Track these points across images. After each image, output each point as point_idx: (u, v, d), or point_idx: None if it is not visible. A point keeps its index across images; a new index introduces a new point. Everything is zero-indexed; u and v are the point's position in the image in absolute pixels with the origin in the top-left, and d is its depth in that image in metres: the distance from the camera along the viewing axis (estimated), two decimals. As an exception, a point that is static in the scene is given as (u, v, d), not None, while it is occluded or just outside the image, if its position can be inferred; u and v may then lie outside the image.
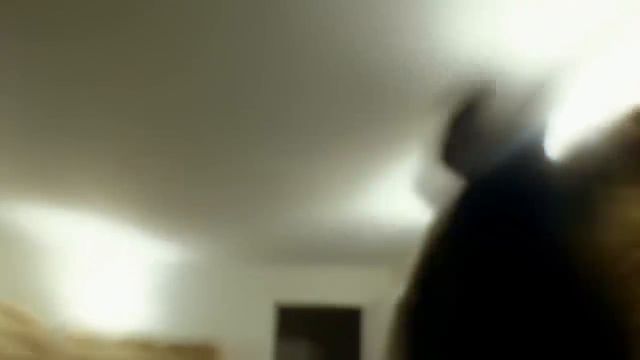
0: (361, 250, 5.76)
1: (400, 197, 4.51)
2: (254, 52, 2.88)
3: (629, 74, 2.08)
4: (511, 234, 1.51)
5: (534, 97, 2.58)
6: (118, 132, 3.63)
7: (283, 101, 3.25)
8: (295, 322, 6.89)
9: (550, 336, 1.38)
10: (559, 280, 1.42)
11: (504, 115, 1.89)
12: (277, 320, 6.28)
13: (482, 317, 1.43)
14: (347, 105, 3.34)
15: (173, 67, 3.01)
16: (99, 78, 3.13)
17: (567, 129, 2.24)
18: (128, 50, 2.90)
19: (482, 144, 1.81)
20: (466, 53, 2.83)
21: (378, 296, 6.19)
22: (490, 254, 1.50)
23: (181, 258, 6.03)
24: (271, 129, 3.58)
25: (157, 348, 5.56)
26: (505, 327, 1.41)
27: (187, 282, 6.13)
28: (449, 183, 1.78)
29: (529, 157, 1.71)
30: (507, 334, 1.40)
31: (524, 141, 1.81)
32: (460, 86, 2.09)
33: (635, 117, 1.65)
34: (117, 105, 3.36)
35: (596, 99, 2.30)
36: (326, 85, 3.12)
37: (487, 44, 2.74)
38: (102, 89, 3.22)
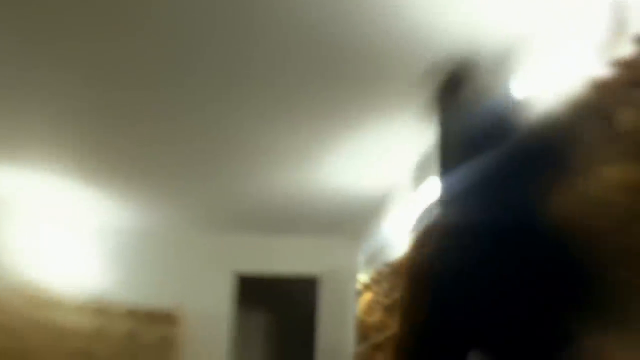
0: (318, 220, 5.78)
1: (358, 168, 4.53)
2: (214, 12, 2.84)
3: (589, 43, 2.12)
4: (497, 200, 1.64)
5: (500, 67, 2.60)
6: (72, 89, 3.56)
7: (244, 59, 3.20)
8: (252, 290, 6.92)
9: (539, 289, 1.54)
10: (540, 239, 1.55)
11: (475, 85, 1.93)
12: (236, 288, 6.29)
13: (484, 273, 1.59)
14: (311, 72, 3.32)
15: (128, 21, 2.95)
16: (51, 34, 3.05)
17: (531, 97, 2.28)
18: (83, 6, 2.83)
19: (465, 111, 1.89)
20: (426, 25, 2.83)
21: (334, 266, 6.24)
22: (483, 221, 1.63)
23: (141, 224, 5.98)
24: (231, 93, 3.55)
25: (114, 313, 5.52)
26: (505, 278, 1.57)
27: (146, 249, 6.10)
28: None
29: (502, 124, 1.80)
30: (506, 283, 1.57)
31: (496, 109, 1.86)
32: (437, 63, 2.14)
33: (595, 86, 1.69)
34: (70, 61, 3.28)
35: (558, 68, 2.33)
36: (287, 49, 3.10)
37: (457, 21, 2.75)
38: (55, 45, 3.15)
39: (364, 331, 4.82)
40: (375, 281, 4.64)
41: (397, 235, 4.37)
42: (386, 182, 4.70)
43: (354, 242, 6.12)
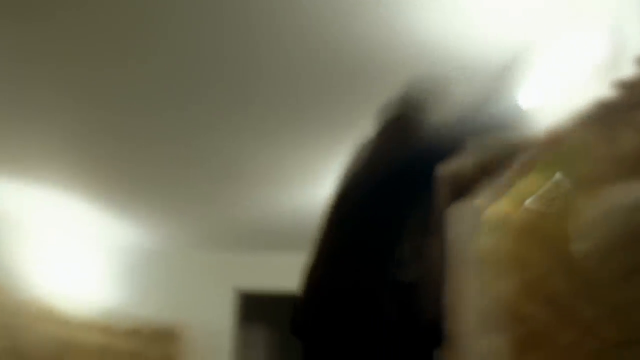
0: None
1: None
2: (215, 33, 2.87)
3: (587, 56, 2.13)
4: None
5: (495, 79, 2.63)
6: (79, 110, 3.60)
7: (245, 83, 3.24)
8: (255, 308, 6.91)
9: None
10: None
11: (469, 98, 1.95)
12: (238, 306, 6.28)
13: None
14: (310, 90, 3.35)
15: (133, 46, 2.98)
16: (58, 57, 3.08)
17: (529, 109, 2.29)
18: (89, 29, 2.86)
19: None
20: (429, 39, 2.85)
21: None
22: None
23: (142, 242, 5.99)
24: (233, 111, 3.58)
25: (118, 331, 5.52)
26: None
27: (149, 266, 6.10)
28: None
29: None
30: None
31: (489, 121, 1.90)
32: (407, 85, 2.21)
33: (597, 105, 1.70)
34: (77, 83, 3.32)
35: (560, 84, 2.34)
36: (289, 69, 3.12)
37: (450, 30, 2.77)
38: (61, 68, 3.18)
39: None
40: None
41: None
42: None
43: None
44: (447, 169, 1.85)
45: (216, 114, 3.65)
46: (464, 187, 2.00)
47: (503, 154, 1.97)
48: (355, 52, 3.01)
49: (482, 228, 2.00)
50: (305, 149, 4.00)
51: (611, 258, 1.40)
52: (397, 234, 1.77)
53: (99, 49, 3.03)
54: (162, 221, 5.51)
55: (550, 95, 2.39)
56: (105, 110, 3.63)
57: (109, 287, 5.92)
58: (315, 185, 4.73)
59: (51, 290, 5.48)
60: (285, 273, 6.87)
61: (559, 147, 1.68)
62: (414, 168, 1.90)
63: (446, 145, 1.92)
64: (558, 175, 1.65)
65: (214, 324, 5.99)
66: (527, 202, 1.76)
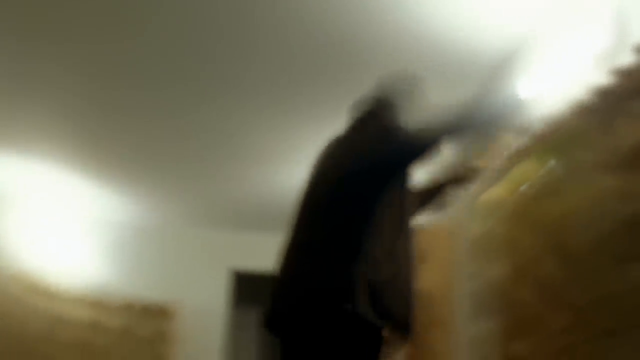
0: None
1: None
2: (210, 11, 2.85)
3: (591, 50, 2.12)
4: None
5: (498, 71, 2.63)
6: (74, 84, 3.56)
7: (243, 58, 3.22)
8: (249, 288, 6.92)
9: None
10: None
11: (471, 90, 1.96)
12: (231, 285, 6.30)
13: None
14: (310, 72, 3.33)
15: (129, 22, 2.96)
16: (56, 31, 3.07)
17: (531, 100, 2.29)
18: (86, 5, 2.85)
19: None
20: (427, 28, 2.84)
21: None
22: None
23: (138, 218, 5.99)
24: (231, 88, 3.55)
25: (110, 306, 5.53)
26: None
27: (142, 243, 6.10)
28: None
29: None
30: None
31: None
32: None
33: (597, 93, 1.70)
34: (72, 58, 3.29)
35: (560, 73, 2.33)
36: (286, 49, 3.11)
37: (448, 19, 2.76)
38: (58, 43, 3.16)
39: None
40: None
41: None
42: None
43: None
44: (416, 184, 1.94)
45: (214, 90, 3.62)
46: (430, 198, 2.08)
47: (462, 173, 2.03)
48: (351, 33, 3.00)
49: (477, 213, 2.01)
50: (303, 129, 3.98)
51: (604, 246, 1.40)
52: (366, 229, 1.76)
53: (94, 23, 3.02)
54: (158, 197, 5.50)
55: (549, 85, 2.39)
56: (100, 86, 3.60)
57: (102, 263, 5.92)
58: (309, 165, 4.68)
59: (43, 264, 5.47)
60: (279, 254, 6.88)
61: (556, 135, 1.68)
62: (384, 165, 1.86)
63: (417, 145, 1.93)
64: (553, 162, 1.65)
65: (206, 303, 5.99)
66: (522, 188, 1.76)
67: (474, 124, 1.87)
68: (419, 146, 1.87)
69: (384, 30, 2.92)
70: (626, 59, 1.77)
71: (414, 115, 2.09)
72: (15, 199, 5.33)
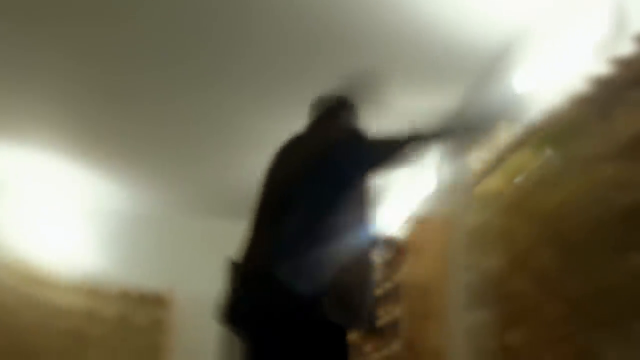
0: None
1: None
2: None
3: (590, 40, 2.11)
4: None
5: (496, 63, 2.61)
6: (69, 70, 3.54)
7: (240, 45, 3.20)
8: (245, 277, 6.93)
9: None
10: None
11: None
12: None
13: None
14: (305, 60, 3.31)
15: (127, 6, 2.94)
16: (52, 15, 3.05)
17: (529, 92, 2.28)
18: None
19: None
20: (425, 17, 2.83)
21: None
22: None
23: (135, 206, 5.98)
24: (226, 74, 3.54)
25: (106, 295, 5.52)
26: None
27: (139, 231, 6.09)
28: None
29: None
30: None
31: None
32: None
33: (595, 83, 1.69)
34: (68, 43, 3.27)
35: (559, 64, 2.33)
36: (282, 35, 3.09)
37: (444, 9, 2.75)
38: (54, 27, 3.14)
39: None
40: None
41: (390, 223, 4.37)
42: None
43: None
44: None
45: (210, 79, 3.61)
46: None
47: None
48: (347, 23, 2.98)
49: (473, 204, 1.99)
50: (301, 117, 3.96)
51: (600, 236, 1.39)
52: (327, 223, 1.74)
53: (91, 9, 2.99)
54: (155, 186, 5.49)
55: (547, 77, 2.38)
56: (96, 72, 3.58)
57: (98, 251, 5.91)
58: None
59: (39, 253, 5.47)
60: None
61: (553, 125, 1.66)
62: (340, 167, 1.84)
63: (378, 151, 1.91)
64: (550, 153, 1.64)
65: (203, 291, 5.97)
66: (519, 179, 1.75)
67: (459, 132, 1.83)
68: (381, 152, 1.85)
69: (381, 21, 2.91)
70: (625, 49, 1.76)
71: (376, 113, 2.08)
72: (11, 187, 5.31)
